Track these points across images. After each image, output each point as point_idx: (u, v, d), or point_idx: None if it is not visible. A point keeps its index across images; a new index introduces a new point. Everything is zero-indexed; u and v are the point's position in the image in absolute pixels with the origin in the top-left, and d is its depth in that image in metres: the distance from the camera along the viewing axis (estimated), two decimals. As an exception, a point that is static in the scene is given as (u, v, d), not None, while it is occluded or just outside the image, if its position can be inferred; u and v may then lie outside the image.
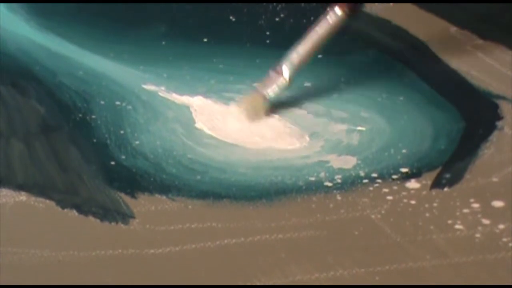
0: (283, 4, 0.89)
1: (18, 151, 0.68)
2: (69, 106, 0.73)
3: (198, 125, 0.72)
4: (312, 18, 0.87)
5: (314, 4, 0.89)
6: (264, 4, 0.90)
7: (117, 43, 0.83)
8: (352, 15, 0.73)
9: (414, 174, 0.65)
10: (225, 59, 0.81)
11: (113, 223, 0.61)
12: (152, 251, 0.58)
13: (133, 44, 0.83)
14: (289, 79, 0.73)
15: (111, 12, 0.89)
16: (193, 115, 0.73)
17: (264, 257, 0.58)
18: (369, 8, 0.85)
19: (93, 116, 0.72)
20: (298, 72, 0.73)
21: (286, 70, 0.73)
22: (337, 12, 0.73)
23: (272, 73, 0.73)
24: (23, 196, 0.63)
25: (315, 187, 0.64)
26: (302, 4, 0.90)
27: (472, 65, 0.79)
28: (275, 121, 0.72)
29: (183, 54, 0.81)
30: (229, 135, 0.70)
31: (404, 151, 0.68)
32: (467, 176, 0.65)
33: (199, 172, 0.66)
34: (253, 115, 0.72)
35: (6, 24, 0.86)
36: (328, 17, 0.73)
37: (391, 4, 0.87)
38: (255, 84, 0.74)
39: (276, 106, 0.73)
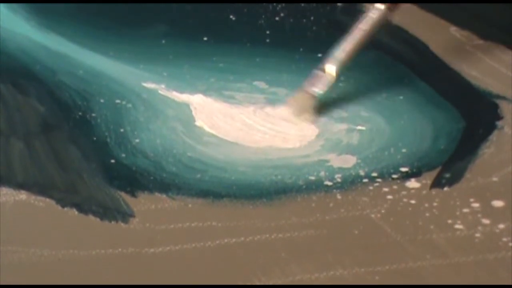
0: (283, 4, 0.89)
1: (18, 150, 0.67)
2: (69, 105, 0.73)
3: (198, 123, 0.72)
4: (312, 18, 0.87)
5: (314, 4, 0.89)
6: (264, 3, 0.90)
7: (117, 42, 0.83)
8: (393, 9, 0.74)
9: (414, 173, 0.65)
10: (225, 58, 0.81)
11: (113, 222, 0.61)
12: (152, 250, 0.58)
13: (133, 43, 0.83)
14: (336, 75, 0.73)
15: (111, 11, 0.89)
16: (193, 113, 0.73)
17: (264, 256, 0.58)
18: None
19: (93, 115, 0.72)
20: (344, 68, 0.74)
21: (332, 67, 0.73)
22: (378, 7, 0.73)
23: (318, 72, 0.73)
24: (23, 195, 0.63)
25: (315, 186, 0.64)
26: (302, 4, 0.90)
27: (472, 65, 0.79)
28: (275, 120, 0.72)
29: (183, 53, 0.81)
30: (229, 133, 0.70)
31: (404, 150, 0.68)
32: (467, 175, 0.65)
33: (199, 170, 0.66)
34: (303, 114, 0.72)
35: (6, 23, 0.86)
36: (370, 13, 0.73)
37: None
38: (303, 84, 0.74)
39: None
